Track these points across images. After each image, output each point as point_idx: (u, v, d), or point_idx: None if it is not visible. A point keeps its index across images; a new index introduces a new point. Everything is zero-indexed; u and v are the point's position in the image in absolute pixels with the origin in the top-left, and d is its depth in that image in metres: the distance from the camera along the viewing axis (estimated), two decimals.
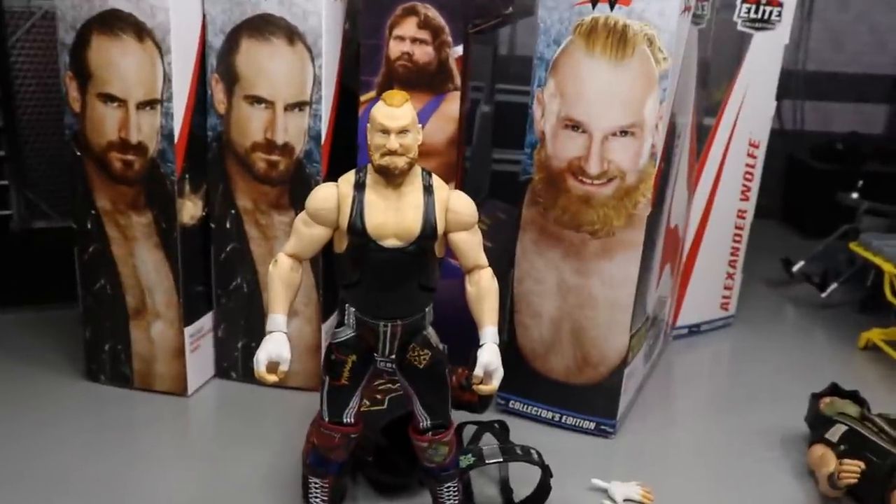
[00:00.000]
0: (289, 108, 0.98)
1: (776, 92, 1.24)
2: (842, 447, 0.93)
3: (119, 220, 1.00)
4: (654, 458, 0.99)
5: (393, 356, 0.74)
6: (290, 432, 0.95)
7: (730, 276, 1.31)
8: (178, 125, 0.97)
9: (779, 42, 1.21)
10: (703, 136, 1.22)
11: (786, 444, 1.02)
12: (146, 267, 1.01)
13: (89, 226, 1.00)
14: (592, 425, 1.01)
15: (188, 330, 1.03)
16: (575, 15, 0.90)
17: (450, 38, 0.95)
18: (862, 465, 0.89)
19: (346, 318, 0.72)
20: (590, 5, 0.89)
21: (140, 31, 0.93)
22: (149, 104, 0.96)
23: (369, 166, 0.69)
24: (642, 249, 0.95)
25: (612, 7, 0.88)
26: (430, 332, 0.75)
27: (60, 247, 1.08)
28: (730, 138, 1.24)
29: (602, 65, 0.90)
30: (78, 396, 1.05)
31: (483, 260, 0.73)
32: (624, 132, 0.91)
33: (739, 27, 1.19)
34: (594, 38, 0.90)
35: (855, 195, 1.42)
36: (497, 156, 1.33)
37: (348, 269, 0.70)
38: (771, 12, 1.18)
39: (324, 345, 1.06)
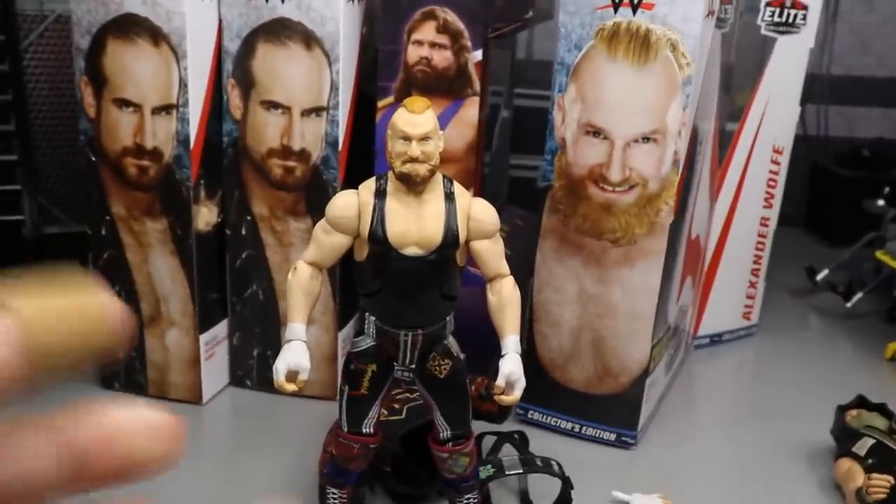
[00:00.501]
0: (305, 113, 0.97)
1: (800, 97, 1.22)
2: (869, 461, 0.91)
3: (134, 227, 0.99)
4: (677, 469, 0.98)
5: (413, 366, 0.72)
6: (307, 441, 0.93)
7: (752, 284, 1.29)
8: (193, 131, 0.96)
9: (803, 46, 1.18)
10: (725, 143, 1.20)
11: (811, 457, 1.00)
12: (161, 274, 1.00)
13: (104, 232, 1.00)
14: (613, 436, 0.99)
15: (203, 338, 1.02)
16: (596, 19, 0.89)
17: (469, 43, 0.94)
18: (891, 479, 0.87)
19: (365, 327, 0.71)
20: (612, 9, 0.88)
21: (156, 35, 0.92)
22: (164, 109, 0.95)
23: (390, 173, 0.67)
24: (664, 258, 0.93)
25: (634, 11, 0.87)
26: (451, 341, 0.73)
27: (73, 252, 1.08)
28: (753, 144, 1.22)
29: (624, 70, 0.88)
30: None
31: (505, 268, 0.71)
32: (646, 139, 0.89)
33: (763, 31, 1.17)
34: (616, 43, 0.88)
35: (881, 202, 1.39)
36: (514, 161, 1.32)
37: (369, 277, 0.69)
38: (795, 15, 1.16)
39: (340, 354, 1.05)
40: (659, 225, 0.91)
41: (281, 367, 0.67)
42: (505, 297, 0.71)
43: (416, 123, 0.64)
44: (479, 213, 0.68)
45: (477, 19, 0.93)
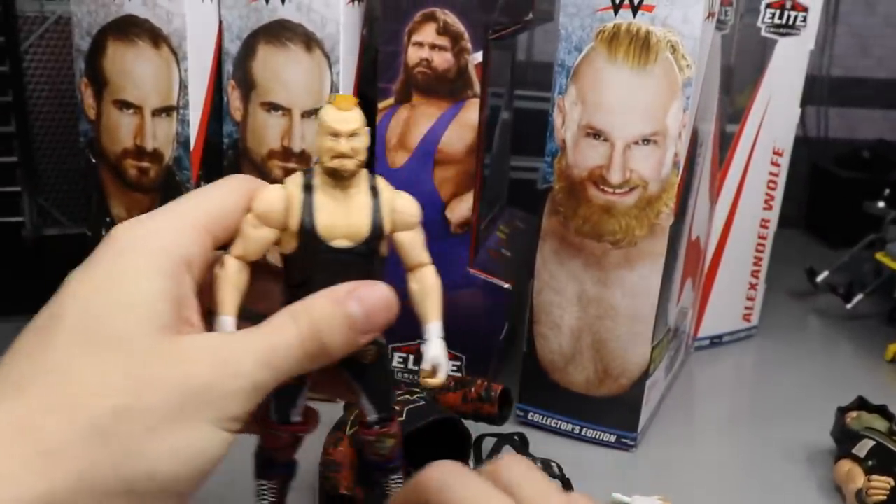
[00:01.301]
0: (306, 115, 0.96)
1: (801, 98, 1.22)
2: (869, 463, 0.91)
3: None
4: (676, 471, 0.98)
5: None
6: (306, 442, 0.93)
7: (752, 286, 1.29)
8: (194, 132, 0.96)
9: (804, 48, 1.18)
10: (725, 144, 1.20)
11: (811, 458, 1.00)
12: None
13: (104, 233, 0.99)
14: (613, 438, 0.99)
15: None
16: (597, 21, 0.89)
17: (469, 45, 0.94)
18: (892, 481, 0.87)
19: None
20: (612, 11, 0.88)
21: (156, 37, 0.92)
22: (165, 111, 0.95)
23: (317, 168, 0.68)
24: (665, 260, 0.93)
25: (634, 13, 0.87)
26: None
27: (73, 254, 1.07)
28: (753, 146, 1.22)
29: (624, 72, 0.88)
30: None
31: (427, 258, 0.72)
32: (646, 140, 0.89)
33: (763, 33, 1.17)
34: (616, 45, 0.88)
35: (882, 204, 1.39)
36: (514, 163, 1.32)
37: (297, 269, 0.70)
38: (796, 17, 1.16)
39: None
40: (659, 227, 0.91)
41: None
42: (427, 286, 0.72)
43: (344, 120, 0.66)
44: (402, 205, 0.70)
45: (477, 21, 0.93)
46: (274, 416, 0.75)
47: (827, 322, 1.39)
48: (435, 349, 0.73)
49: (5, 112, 1.11)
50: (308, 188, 0.71)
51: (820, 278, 1.43)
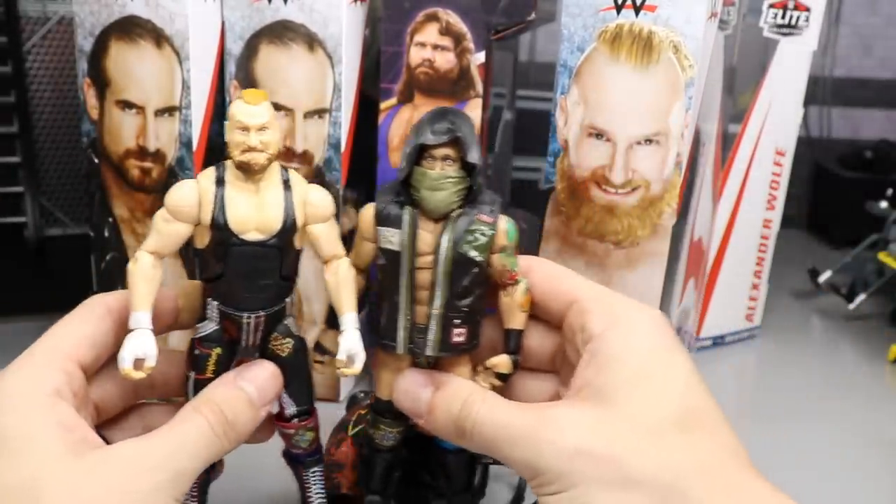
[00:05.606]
0: (308, 115, 0.97)
1: (803, 99, 1.22)
2: None
3: (136, 229, 0.99)
4: None
5: (256, 346, 0.74)
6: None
7: (755, 286, 1.29)
8: (196, 132, 0.96)
9: (806, 48, 1.18)
10: (727, 144, 1.20)
11: (814, 459, 1.00)
12: (164, 276, 0.99)
13: (106, 234, 0.99)
14: None
15: None
16: (599, 21, 0.89)
17: (472, 45, 0.94)
18: None
19: (208, 312, 0.71)
20: (614, 11, 0.88)
21: (159, 37, 0.92)
22: (167, 111, 0.95)
23: (228, 163, 0.69)
24: (667, 260, 0.93)
25: (637, 13, 0.87)
26: (291, 321, 0.74)
27: (75, 254, 1.07)
28: (755, 146, 1.21)
29: (627, 72, 0.88)
30: None
31: (341, 250, 0.72)
32: (649, 141, 0.89)
33: (766, 33, 1.17)
34: (618, 45, 0.88)
35: (884, 204, 1.39)
36: (516, 163, 1.31)
37: (211, 263, 0.70)
38: (798, 17, 1.16)
39: None
40: (661, 227, 0.91)
41: (127, 355, 0.67)
42: (342, 277, 0.73)
43: (253, 114, 0.67)
44: (315, 198, 0.71)
45: (479, 21, 0.93)
46: None
47: (829, 322, 1.39)
48: (350, 340, 0.71)
49: (8, 112, 1.11)
50: (220, 182, 0.71)
51: (822, 278, 1.43)
